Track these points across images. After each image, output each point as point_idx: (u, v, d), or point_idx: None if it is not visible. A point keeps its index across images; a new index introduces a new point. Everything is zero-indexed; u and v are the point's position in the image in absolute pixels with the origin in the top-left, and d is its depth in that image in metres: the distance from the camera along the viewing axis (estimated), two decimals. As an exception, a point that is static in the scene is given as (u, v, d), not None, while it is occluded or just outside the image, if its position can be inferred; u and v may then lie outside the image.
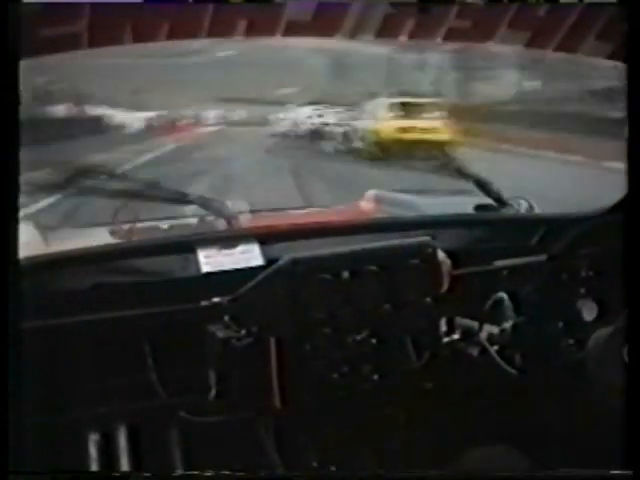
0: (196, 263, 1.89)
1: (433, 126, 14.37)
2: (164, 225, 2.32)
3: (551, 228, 2.17)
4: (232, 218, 2.14)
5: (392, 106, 15.55)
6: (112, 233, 2.13)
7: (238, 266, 1.90)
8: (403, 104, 15.37)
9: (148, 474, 1.76)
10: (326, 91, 22.56)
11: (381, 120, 15.15)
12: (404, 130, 14.11)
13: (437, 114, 15.18)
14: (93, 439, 1.87)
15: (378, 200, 2.66)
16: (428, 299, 2.02)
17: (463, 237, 2.21)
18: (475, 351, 2.04)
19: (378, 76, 22.69)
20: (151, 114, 24.41)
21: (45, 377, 1.72)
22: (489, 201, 2.34)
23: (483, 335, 2.02)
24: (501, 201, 2.33)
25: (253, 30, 1.38)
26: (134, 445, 1.90)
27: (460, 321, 2.04)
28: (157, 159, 14.55)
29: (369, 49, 21.82)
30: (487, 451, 2.08)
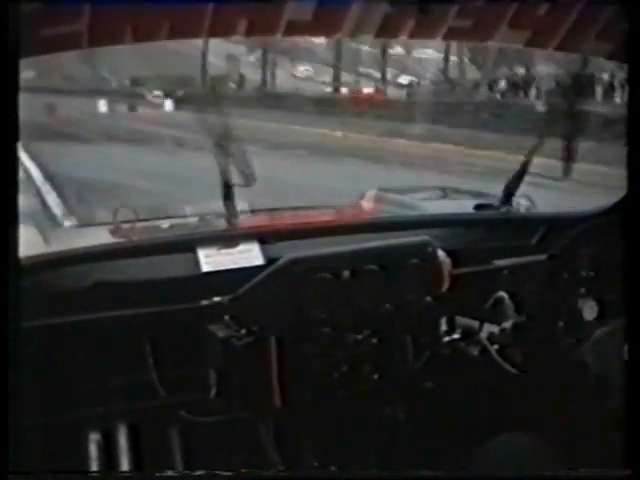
0: (196, 262, 1.89)
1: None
2: (164, 225, 2.31)
3: (551, 228, 2.16)
4: (232, 218, 2.14)
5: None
6: (112, 233, 2.13)
7: (238, 265, 1.90)
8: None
9: (148, 474, 1.76)
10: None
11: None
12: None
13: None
14: (93, 439, 1.87)
15: (378, 200, 2.66)
16: (428, 298, 2.02)
17: (463, 237, 2.21)
18: (475, 350, 2.04)
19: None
20: None
21: (45, 377, 1.72)
22: (489, 201, 2.34)
23: (483, 334, 2.02)
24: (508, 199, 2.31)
25: (253, 30, 1.38)
26: (134, 445, 1.90)
27: (460, 320, 2.04)
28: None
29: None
30: (487, 450, 2.08)
